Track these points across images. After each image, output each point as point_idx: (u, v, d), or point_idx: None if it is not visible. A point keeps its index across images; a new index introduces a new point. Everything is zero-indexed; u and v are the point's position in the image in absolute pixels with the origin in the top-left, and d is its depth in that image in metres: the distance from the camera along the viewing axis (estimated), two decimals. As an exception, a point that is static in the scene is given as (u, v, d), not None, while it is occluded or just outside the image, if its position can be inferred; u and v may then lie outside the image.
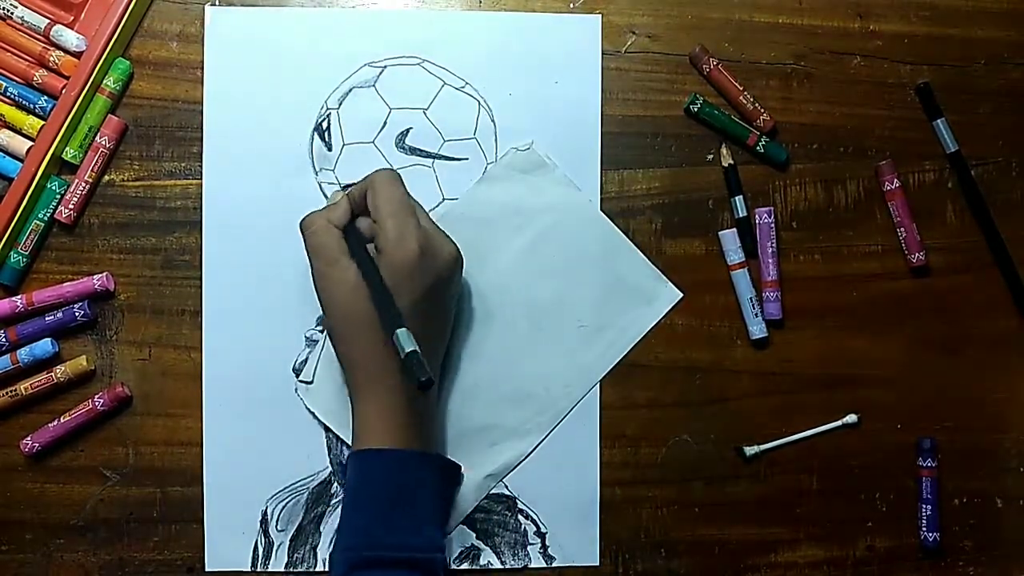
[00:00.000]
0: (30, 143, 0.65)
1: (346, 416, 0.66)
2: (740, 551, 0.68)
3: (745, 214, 0.68)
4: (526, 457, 0.67)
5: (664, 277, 0.68)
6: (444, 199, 0.68)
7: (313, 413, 0.66)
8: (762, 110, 0.68)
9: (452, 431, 0.67)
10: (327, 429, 0.67)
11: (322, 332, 0.67)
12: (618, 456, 0.68)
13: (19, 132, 0.66)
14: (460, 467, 0.65)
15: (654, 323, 0.68)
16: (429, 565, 0.59)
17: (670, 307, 0.68)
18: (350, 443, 0.66)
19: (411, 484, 0.60)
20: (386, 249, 0.59)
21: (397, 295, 0.58)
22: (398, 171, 0.62)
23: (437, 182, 0.68)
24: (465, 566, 0.67)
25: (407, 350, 0.55)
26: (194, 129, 0.67)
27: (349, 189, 0.63)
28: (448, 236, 0.62)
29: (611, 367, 0.68)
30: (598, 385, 0.68)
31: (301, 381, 0.67)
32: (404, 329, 0.55)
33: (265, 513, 0.67)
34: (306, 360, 0.67)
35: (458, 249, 0.62)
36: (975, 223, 0.69)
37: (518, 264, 0.68)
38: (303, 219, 0.61)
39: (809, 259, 0.69)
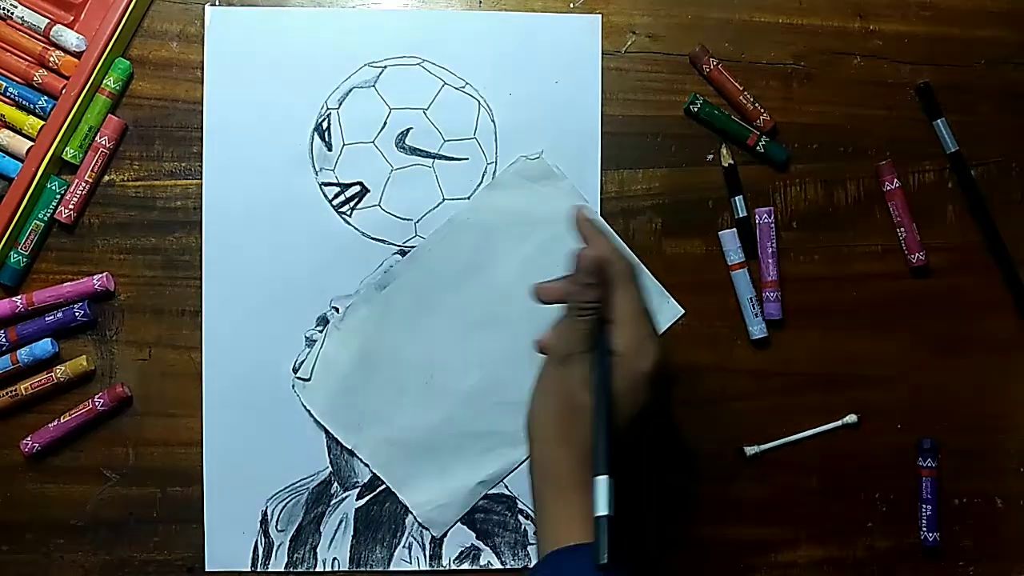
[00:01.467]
0: (30, 143, 0.65)
1: (341, 414, 0.66)
2: (740, 551, 0.68)
3: (745, 214, 0.68)
4: (518, 466, 0.67)
5: (667, 293, 0.68)
6: (444, 199, 0.68)
7: (309, 411, 0.66)
8: (762, 110, 0.68)
9: (448, 435, 0.67)
10: (325, 428, 0.67)
11: (322, 332, 0.67)
12: (618, 456, 0.68)
13: (19, 132, 0.66)
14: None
15: None
16: None
17: (671, 323, 0.68)
18: (345, 443, 0.66)
19: None
20: (623, 353, 0.53)
21: (618, 406, 0.52)
22: (635, 266, 0.55)
23: (437, 182, 0.68)
24: (465, 566, 0.67)
25: (598, 513, 0.49)
26: (194, 129, 0.67)
27: (584, 253, 0.54)
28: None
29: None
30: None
31: (299, 378, 0.67)
32: (606, 477, 0.49)
33: (265, 513, 0.67)
34: (305, 359, 0.67)
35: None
36: (975, 223, 0.69)
37: (522, 272, 0.67)
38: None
39: (809, 259, 0.69)
